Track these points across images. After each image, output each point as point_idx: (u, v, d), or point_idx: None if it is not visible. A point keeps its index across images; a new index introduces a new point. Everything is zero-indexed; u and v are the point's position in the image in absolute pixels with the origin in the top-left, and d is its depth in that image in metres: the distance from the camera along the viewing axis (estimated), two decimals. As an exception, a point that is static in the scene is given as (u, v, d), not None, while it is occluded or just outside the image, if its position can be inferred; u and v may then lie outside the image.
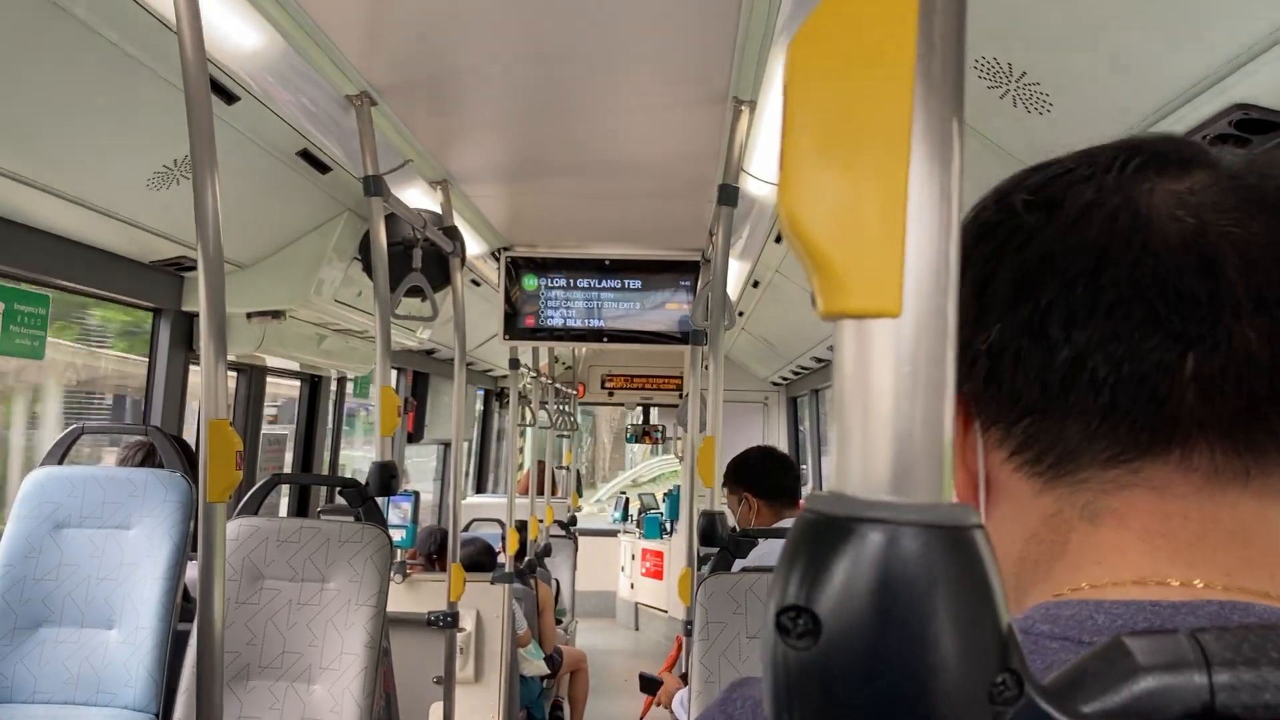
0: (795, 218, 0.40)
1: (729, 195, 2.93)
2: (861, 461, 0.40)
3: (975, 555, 0.39)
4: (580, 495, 10.96)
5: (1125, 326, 0.56)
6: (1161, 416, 0.56)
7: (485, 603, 4.50)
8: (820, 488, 5.83)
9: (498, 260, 4.77)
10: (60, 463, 3.05)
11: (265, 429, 4.98)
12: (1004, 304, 0.60)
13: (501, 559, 5.45)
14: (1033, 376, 0.59)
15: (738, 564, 2.88)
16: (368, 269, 3.66)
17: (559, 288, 4.76)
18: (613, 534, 10.85)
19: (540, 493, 7.27)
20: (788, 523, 3.44)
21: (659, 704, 4.07)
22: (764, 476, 3.56)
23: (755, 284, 5.51)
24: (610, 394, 10.31)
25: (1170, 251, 0.55)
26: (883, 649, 0.38)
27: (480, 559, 5.25)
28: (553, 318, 4.76)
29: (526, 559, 6.00)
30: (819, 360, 6.80)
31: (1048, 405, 0.59)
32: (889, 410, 0.40)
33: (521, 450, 8.72)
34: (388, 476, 2.77)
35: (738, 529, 3.32)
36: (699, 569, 3.47)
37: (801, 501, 4.10)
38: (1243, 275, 0.54)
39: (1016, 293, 0.59)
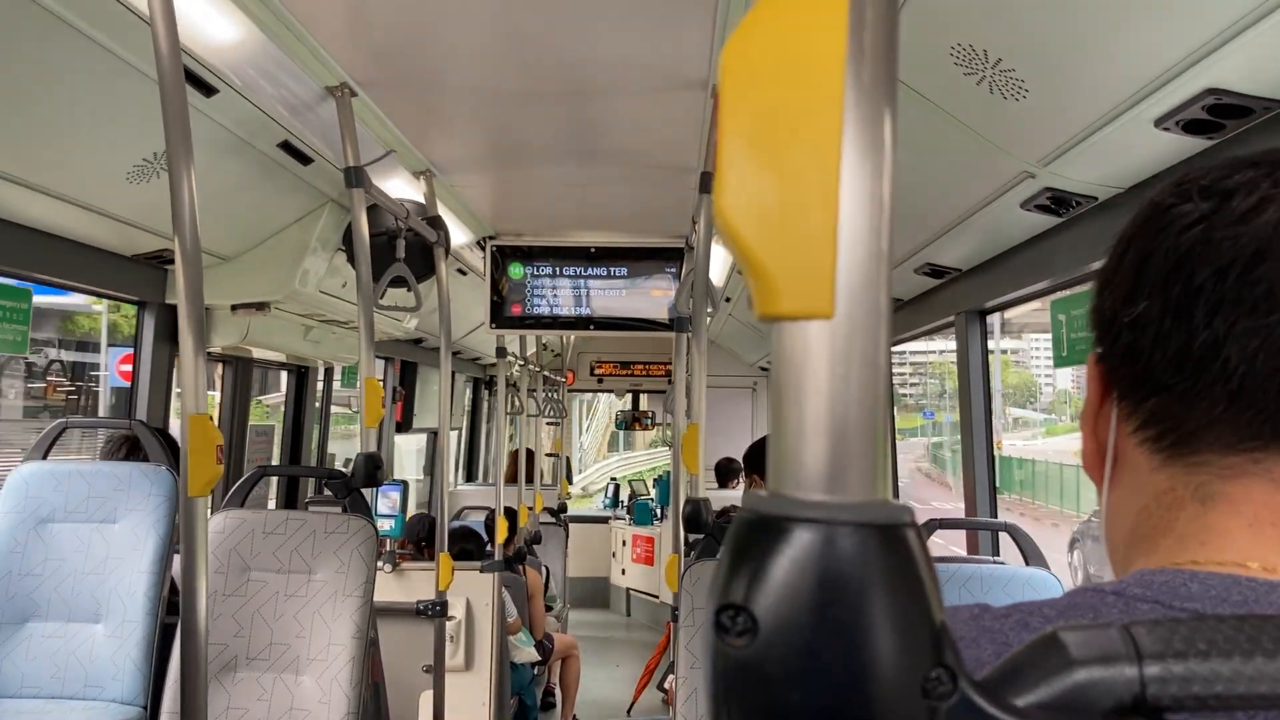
0: (728, 221, 0.41)
1: (710, 183, 2.93)
2: (797, 461, 0.40)
3: (908, 553, 0.40)
4: (570, 482, 10.98)
5: (1267, 320, 0.57)
6: None
7: (474, 591, 4.51)
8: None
9: (483, 249, 4.76)
10: (44, 458, 3.04)
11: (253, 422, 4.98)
12: (1157, 281, 0.62)
13: (490, 547, 5.46)
14: (1169, 355, 0.61)
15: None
16: (352, 260, 3.65)
17: (545, 276, 4.76)
18: (604, 520, 10.87)
19: (529, 480, 7.27)
20: None
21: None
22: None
23: (740, 270, 5.51)
24: (599, 381, 10.31)
25: None
26: (818, 647, 0.39)
27: (467, 546, 5.26)
28: (539, 306, 4.76)
29: (515, 546, 6.01)
30: (806, 345, 6.80)
31: (1178, 385, 0.61)
32: (823, 410, 0.40)
33: (511, 438, 8.72)
34: (373, 467, 2.77)
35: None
36: (686, 555, 3.48)
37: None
38: None
39: (1171, 272, 0.61)
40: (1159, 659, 0.41)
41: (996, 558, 3.07)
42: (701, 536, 3.03)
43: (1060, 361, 2.74)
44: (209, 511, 1.99)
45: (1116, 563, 0.69)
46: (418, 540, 5.07)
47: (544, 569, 6.78)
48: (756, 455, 3.68)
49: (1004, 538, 2.95)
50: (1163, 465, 0.63)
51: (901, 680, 0.39)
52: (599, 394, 12.29)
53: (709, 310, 3.24)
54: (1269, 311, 0.57)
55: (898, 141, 0.41)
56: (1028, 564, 2.71)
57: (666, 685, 4.31)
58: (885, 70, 0.41)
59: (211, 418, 1.83)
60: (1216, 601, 0.56)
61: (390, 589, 4.30)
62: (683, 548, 3.57)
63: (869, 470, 0.40)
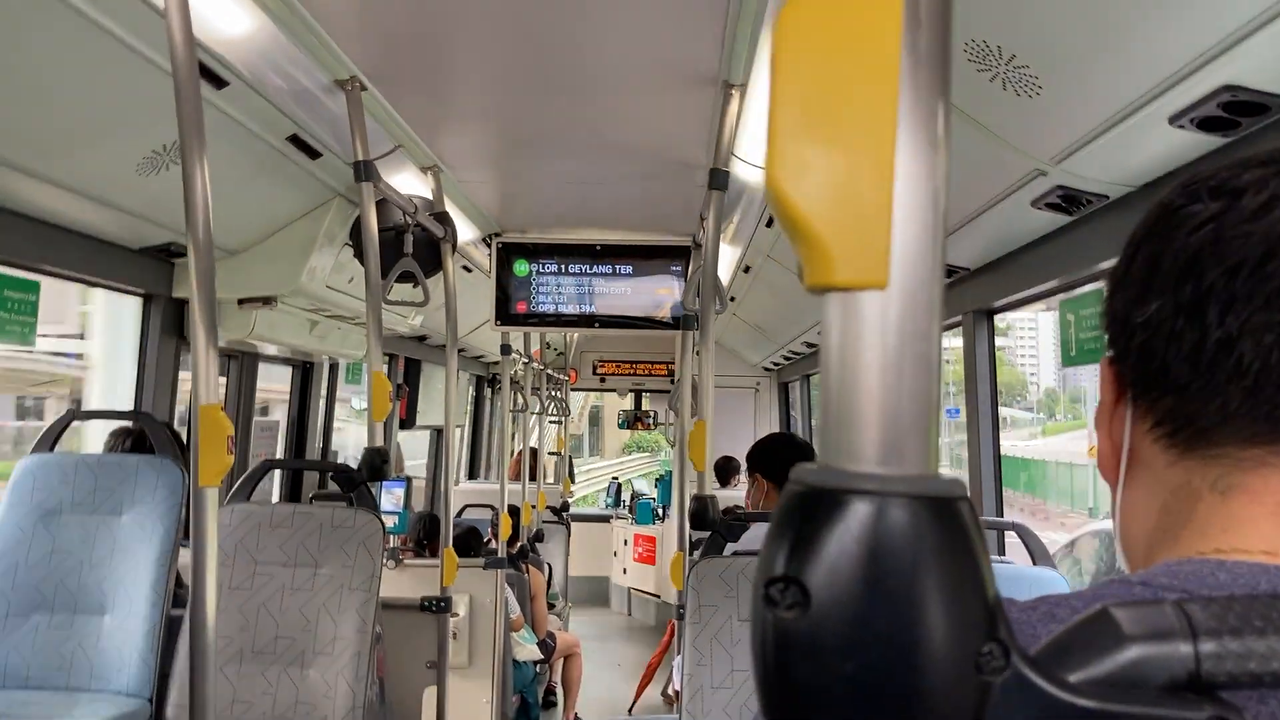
0: (782, 191, 0.40)
1: (719, 179, 2.93)
2: (848, 433, 0.40)
3: (962, 526, 0.39)
4: (573, 481, 10.97)
5: None
6: None
7: (478, 588, 4.51)
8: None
9: (489, 246, 4.76)
10: (51, 449, 3.04)
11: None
12: (1169, 281, 0.62)
13: (493, 544, 5.46)
14: (1183, 354, 0.61)
15: (729, 548, 2.88)
16: (359, 255, 3.65)
17: (550, 273, 4.75)
18: (605, 519, 10.87)
19: (532, 478, 7.27)
20: None
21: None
22: (775, 459, 3.59)
23: (746, 269, 5.51)
24: (602, 380, 10.31)
25: None
26: (870, 619, 0.39)
27: (468, 542, 5.26)
28: (544, 303, 4.75)
29: (519, 544, 6.00)
30: (810, 345, 6.81)
31: (1193, 382, 0.61)
32: (876, 383, 0.40)
33: (514, 437, 8.72)
34: (379, 461, 2.77)
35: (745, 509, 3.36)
36: (690, 553, 3.48)
37: None
38: None
39: (1183, 271, 0.61)
40: (1214, 635, 0.40)
41: (1003, 557, 3.07)
42: (707, 534, 3.02)
43: (1069, 361, 2.73)
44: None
45: (1135, 560, 0.69)
46: (418, 538, 5.07)
47: (546, 567, 6.78)
48: (760, 454, 3.68)
49: (1010, 537, 2.94)
50: (1179, 460, 0.64)
51: (954, 654, 0.39)
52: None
53: (716, 309, 3.23)
54: None
55: (950, 112, 0.41)
56: (1035, 563, 2.71)
57: (670, 691, 4.29)
58: (941, 38, 0.40)
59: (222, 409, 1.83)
60: (1247, 589, 0.56)
61: (393, 585, 4.29)
62: (688, 545, 3.57)
63: (921, 443, 0.40)
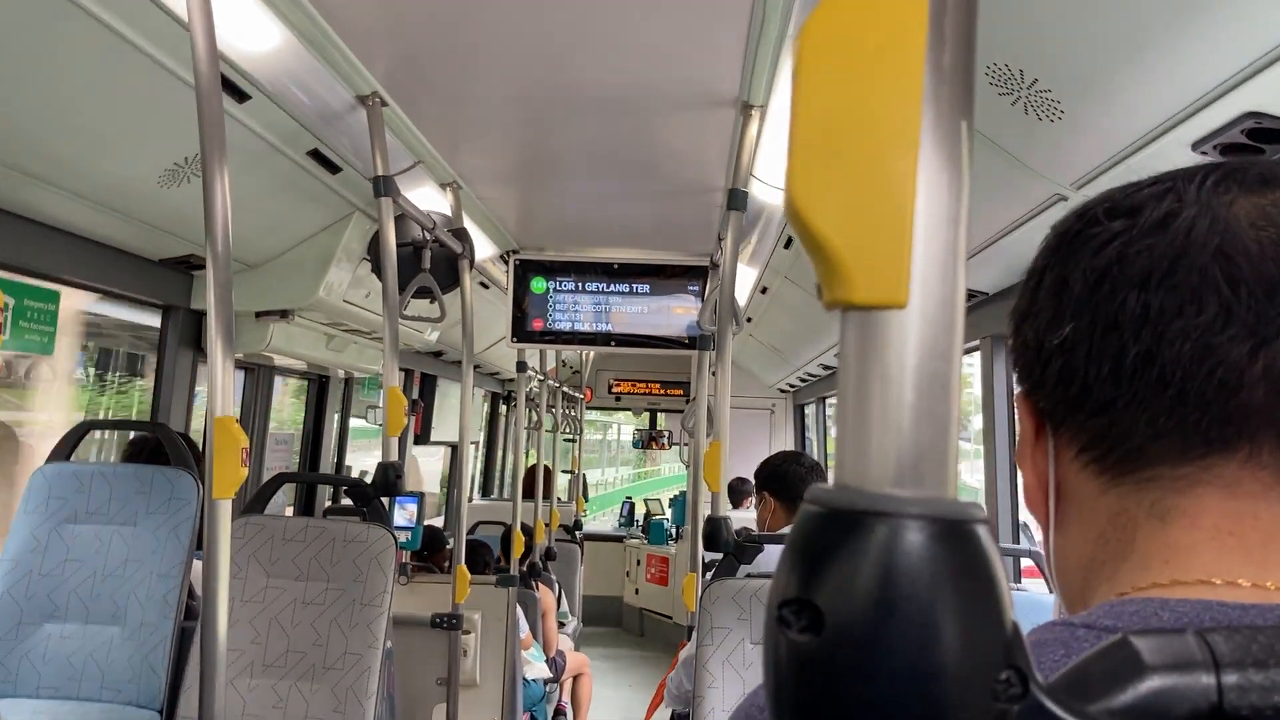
0: (801, 206, 0.40)
1: (738, 200, 2.93)
2: (865, 454, 0.39)
3: (980, 550, 0.39)
4: (586, 499, 10.95)
5: (1197, 322, 0.57)
6: (1230, 411, 0.57)
7: (488, 606, 4.49)
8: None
9: (506, 263, 4.77)
10: (67, 459, 3.05)
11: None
12: (1079, 302, 0.62)
13: (503, 562, 5.45)
14: (1105, 372, 0.60)
15: (742, 570, 2.87)
16: (377, 269, 3.66)
17: (567, 291, 4.75)
18: (618, 539, 10.84)
19: (546, 496, 7.26)
20: None
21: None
22: (784, 479, 3.57)
23: (764, 290, 5.50)
24: (617, 399, 10.31)
25: (1248, 255, 0.57)
26: (886, 643, 0.38)
27: (477, 558, 5.24)
28: (561, 321, 4.76)
29: (529, 562, 5.99)
30: (826, 368, 6.79)
31: (1117, 399, 0.60)
32: (894, 403, 0.39)
33: (528, 454, 8.72)
34: (392, 476, 2.77)
35: (756, 529, 3.33)
36: (704, 575, 3.46)
37: None
38: None
39: (1092, 290, 0.61)
40: (1238, 667, 0.39)
41: (1018, 584, 3.05)
42: (720, 556, 3.01)
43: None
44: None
45: (1072, 596, 0.67)
46: (419, 551, 5.05)
47: (557, 586, 6.76)
48: (768, 473, 3.66)
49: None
50: (1111, 486, 0.62)
51: (971, 680, 0.38)
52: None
53: (733, 329, 3.23)
54: (1197, 313, 0.57)
55: (973, 132, 0.40)
56: (1051, 590, 2.69)
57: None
58: (965, 56, 0.40)
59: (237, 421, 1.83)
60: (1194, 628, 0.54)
61: (403, 600, 4.29)
62: (700, 566, 3.56)
63: (940, 465, 0.39)
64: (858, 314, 0.40)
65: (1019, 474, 3.42)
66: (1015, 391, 0.70)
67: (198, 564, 2.74)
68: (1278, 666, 0.39)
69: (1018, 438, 0.71)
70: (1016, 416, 0.70)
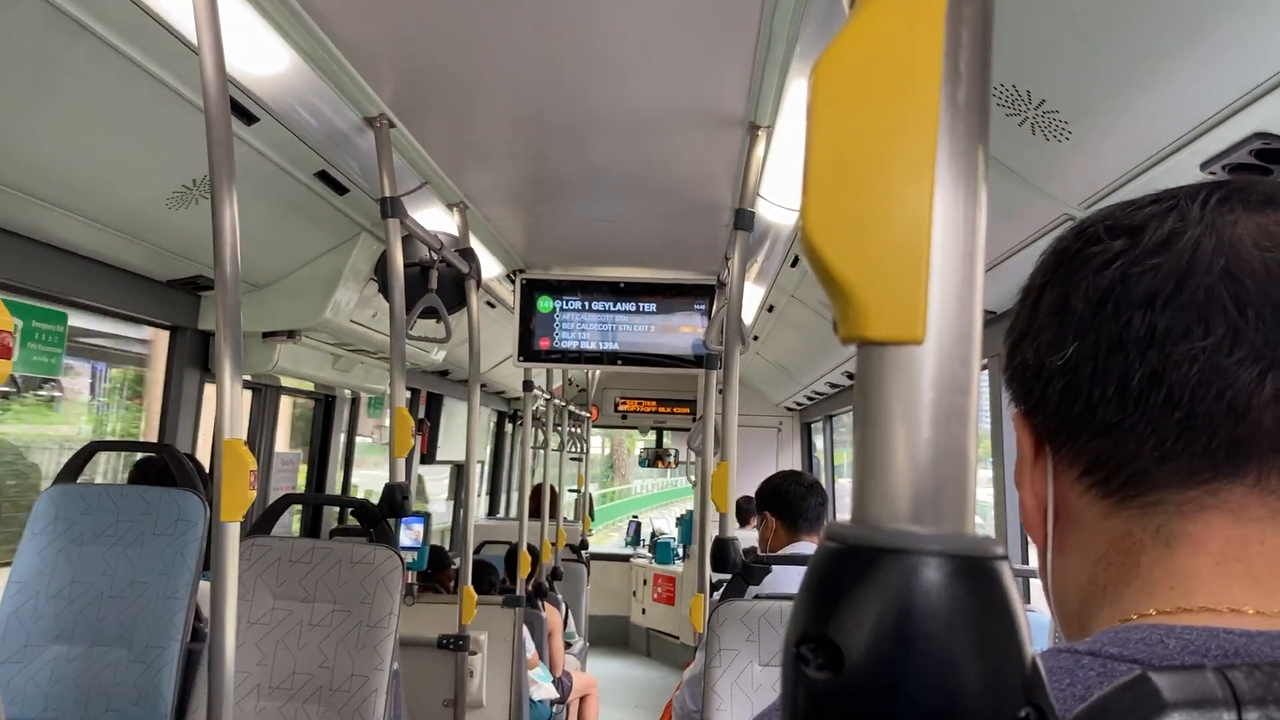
0: (816, 243, 0.40)
1: (745, 220, 2.93)
2: (883, 490, 0.39)
3: (1000, 586, 0.38)
4: (593, 519, 10.93)
5: (1204, 344, 0.56)
6: (1238, 435, 0.56)
7: (495, 626, 4.48)
8: (834, 516, 5.80)
9: (513, 282, 4.78)
10: (74, 479, 3.05)
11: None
12: (1082, 322, 0.61)
13: (508, 583, 5.43)
14: (1110, 393, 0.60)
15: (751, 590, 2.86)
16: (384, 290, 3.67)
17: (574, 310, 4.76)
18: (625, 559, 10.81)
19: (553, 516, 7.25)
20: (799, 546, 3.42)
21: None
22: (785, 498, 3.56)
23: (770, 309, 5.50)
24: (623, 417, 10.30)
25: (1254, 277, 0.57)
26: (904, 681, 0.37)
27: (481, 579, 5.23)
28: (567, 340, 4.76)
29: (535, 582, 5.98)
30: (834, 386, 6.78)
31: (1123, 420, 0.59)
32: (912, 438, 0.39)
33: (534, 473, 8.71)
34: (399, 498, 2.76)
35: (758, 549, 3.32)
36: (711, 595, 3.45)
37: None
38: None
39: (1095, 310, 0.61)
40: (1259, 705, 0.39)
41: (1028, 605, 3.03)
42: (728, 576, 3.00)
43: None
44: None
45: (1069, 618, 0.66)
46: (424, 571, 5.05)
47: (563, 605, 6.74)
48: (769, 492, 3.65)
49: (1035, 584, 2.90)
50: (1115, 510, 0.61)
51: (991, 718, 0.38)
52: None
53: (740, 348, 3.23)
54: (1204, 335, 0.56)
55: (988, 165, 0.40)
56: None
57: None
58: (980, 91, 0.40)
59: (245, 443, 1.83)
60: (1198, 656, 0.53)
61: (409, 621, 4.28)
62: (708, 587, 3.54)
63: (959, 501, 0.39)
64: (874, 349, 0.40)
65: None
66: (1012, 412, 0.69)
67: (204, 585, 2.73)
68: None
69: (1016, 458, 0.69)
70: (1016, 438, 0.69)
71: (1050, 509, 0.65)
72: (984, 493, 3.60)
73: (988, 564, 0.38)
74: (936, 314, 0.39)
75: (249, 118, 2.63)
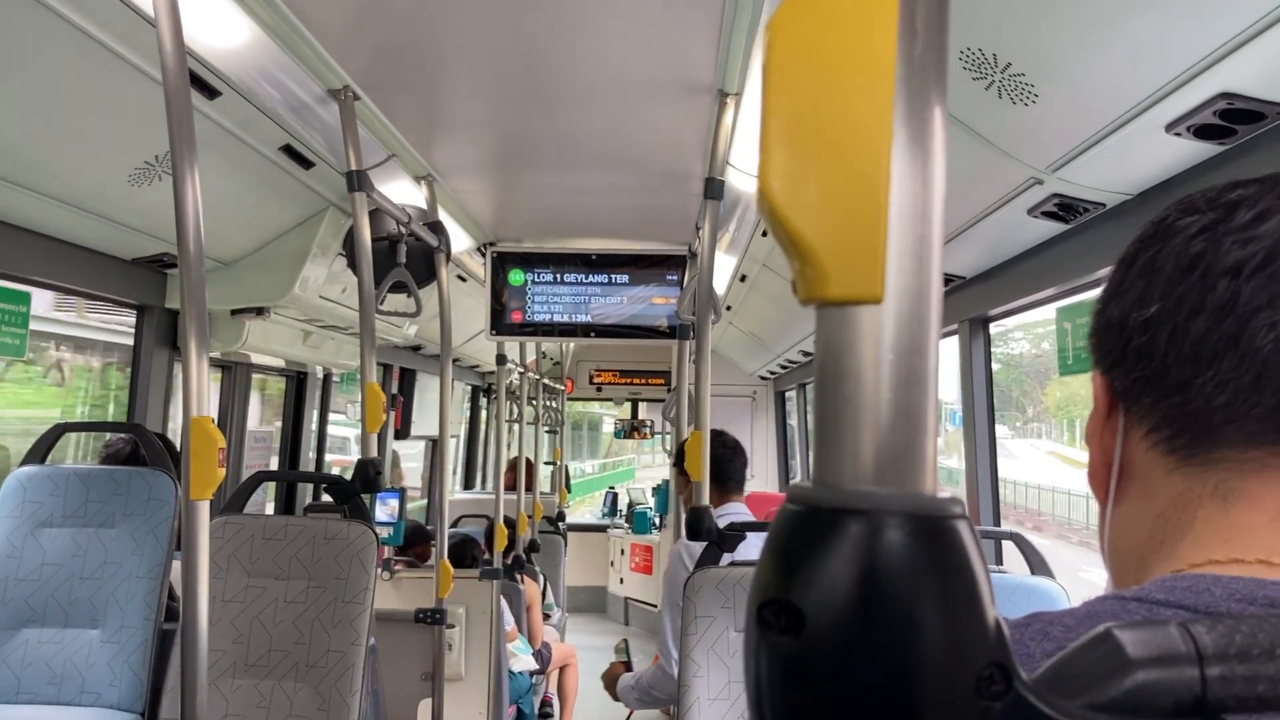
0: (774, 204, 0.39)
1: (715, 189, 2.92)
2: (843, 451, 0.39)
3: (960, 545, 0.38)
4: (569, 491, 10.93)
5: None
6: None
7: (473, 599, 4.48)
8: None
9: (484, 255, 4.75)
10: (43, 462, 3.02)
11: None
12: (1168, 283, 0.64)
13: (487, 555, 5.43)
14: (1185, 352, 0.62)
15: (725, 558, 2.87)
16: (352, 265, 3.64)
17: (545, 283, 4.74)
18: (602, 529, 10.83)
19: (529, 489, 7.25)
20: (730, 508, 3.51)
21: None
22: (713, 460, 3.59)
23: (743, 278, 5.50)
24: (598, 389, 10.29)
25: None
26: (867, 642, 0.37)
27: (464, 553, 5.22)
28: (539, 313, 4.74)
29: (513, 554, 5.98)
30: (806, 354, 6.79)
31: (1195, 379, 0.62)
32: (871, 399, 0.39)
33: (510, 447, 8.70)
34: (372, 473, 2.75)
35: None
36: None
37: (750, 490, 4.09)
38: None
39: (1184, 273, 0.63)
40: (1221, 659, 0.39)
41: (1000, 566, 3.06)
42: (703, 545, 3.01)
43: (1066, 370, 2.72)
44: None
45: (1125, 574, 0.68)
46: (401, 549, 5.04)
47: (541, 577, 6.76)
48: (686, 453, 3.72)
49: (1007, 546, 2.93)
50: (1178, 466, 0.64)
51: (954, 677, 0.38)
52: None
53: (712, 318, 3.23)
54: None
55: (946, 123, 0.40)
56: (1033, 573, 2.70)
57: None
58: (936, 50, 0.39)
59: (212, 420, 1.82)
60: (1244, 604, 0.55)
61: (387, 596, 4.28)
62: (684, 556, 3.55)
63: (918, 461, 0.39)
64: (833, 310, 0.39)
65: (997, 457, 3.43)
66: (1092, 371, 0.71)
67: (178, 565, 2.71)
68: (1260, 658, 0.39)
69: (1089, 415, 0.72)
70: (1091, 394, 0.71)
71: (1116, 465, 0.68)
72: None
73: (948, 523, 0.38)
74: (895, 274, 0.39)
75: (211, 92, 2.59)
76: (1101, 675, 0.40)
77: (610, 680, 3.98)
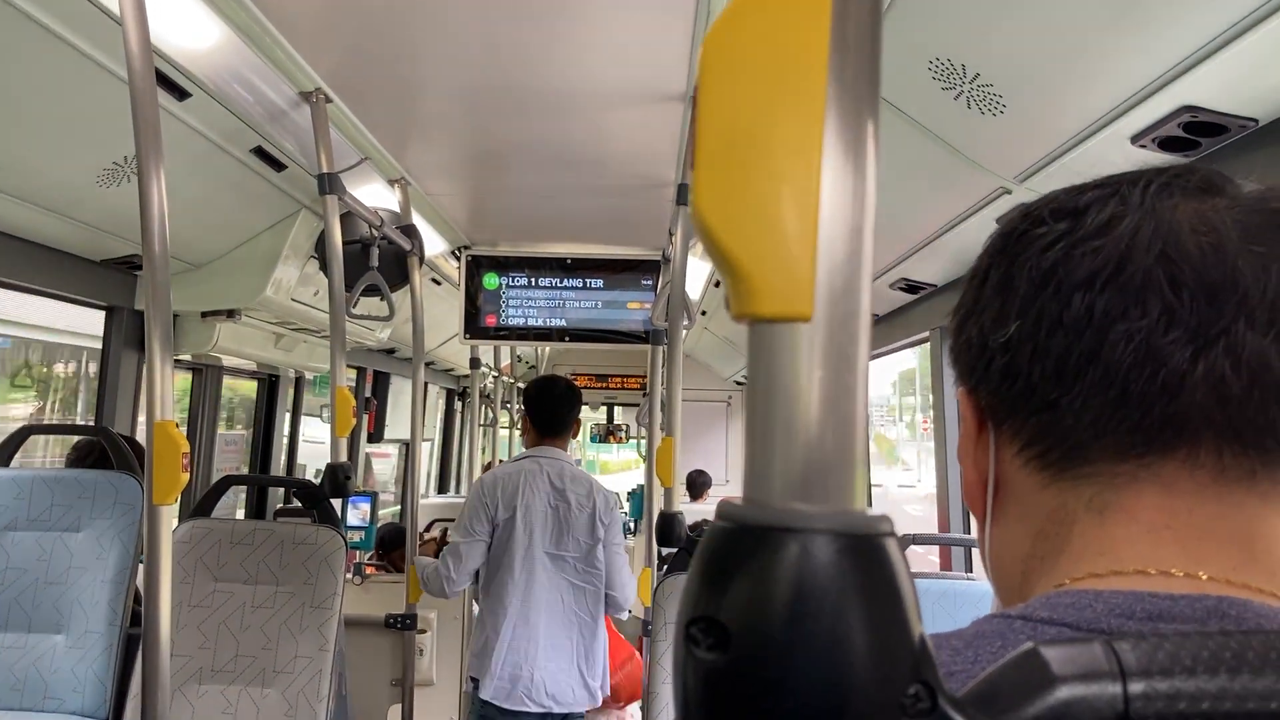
0: (706, 220, 0.39)
1: (687, 195, 2.93)
2: (772, 468, 0.39)
3: (887, 564, 0.38)
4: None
5: (1140, 325, 0.58)
6: (1171, 412, 0.58)
7: (444, 604, 4.47)
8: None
9: (458, 259, 4.74)
10: (7, 464, 2.99)
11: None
12: (1024, 301, 0.63)
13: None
14: (1049, 370, 0.61)
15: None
16: (325, 268, 3.62)
17: (520, 286, 4.74)
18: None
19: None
20: (543, 449, 3.63)
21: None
22: (539, 404, 3.74)
23: (718, 283, 5.51)
24: (574, 393, 10.27)
25: (1189, 261, 0.58)
26: (793, 660, 0.37)
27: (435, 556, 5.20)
28: (514, 317, 4.74)
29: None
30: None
31: (1061, 397, 0.61)
32: (801, 415, 0.39)
33: (484, 450, 8.67)
34: (341, 478, 2.74)
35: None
36: (659, 569, 3.46)
37: (723, 495, 4.19)
38: (1260, 289, 0.57)
39: (1038, 289, 0.62)
40: (1143, 676, 0.39)
41: (969, 574, 3.07)
42: (675, 550, 3.01)
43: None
44: (175, 521, 1.95)
45: (1009, 590, 0.68)
46: (377, 550, 5.02)
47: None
48: (533, 394, 3.86)
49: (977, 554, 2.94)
50: (1052, 482, 0.63)
51: (879, 696, 0.38)
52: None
53: (685, 323, 3.23)
54: (1140, 315, 0.58)
55: (880, 143, 0.40)
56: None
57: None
58: (868, 66, 0.40)
59: (178, 425, 1.80)
60: (1124, 619, 0.55)
61: (359, 601, 4.25)
62: (655, 561, 3.56)
63: (847, 478, 0.39)
64: (764, 326, 0.39)
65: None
66: (956, 389, 0.70)
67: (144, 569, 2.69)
68: (1182, 674, 0.39)
69: (960, 434, 0.71)
70: (960, 413, 0.70)
71: (991, 483, 0.67)
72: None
73: (875, 541, 0.38)
74: (825, 290, 0.39)
75: (181, 93, 2.57)
76: (1026, 692, 0.40)
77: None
